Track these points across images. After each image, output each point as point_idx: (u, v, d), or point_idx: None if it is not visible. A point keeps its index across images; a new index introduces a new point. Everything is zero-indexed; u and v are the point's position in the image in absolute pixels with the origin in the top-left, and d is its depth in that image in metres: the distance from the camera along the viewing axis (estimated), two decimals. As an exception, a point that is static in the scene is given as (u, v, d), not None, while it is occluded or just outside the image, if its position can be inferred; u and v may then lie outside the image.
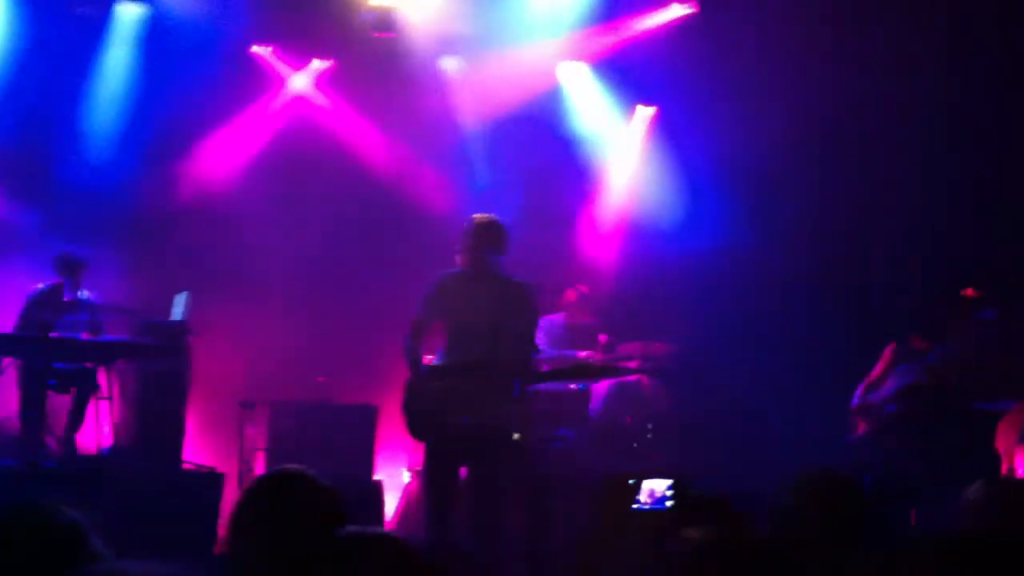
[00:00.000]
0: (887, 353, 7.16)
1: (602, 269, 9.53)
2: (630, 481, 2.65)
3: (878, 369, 7.18)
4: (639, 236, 9.71)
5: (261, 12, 9.29)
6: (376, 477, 8.15)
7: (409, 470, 8.32)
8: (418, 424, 6.00)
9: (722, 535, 2.22)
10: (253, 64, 9.70)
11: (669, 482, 2.68)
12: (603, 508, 2.59)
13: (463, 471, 6.03)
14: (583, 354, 8.38)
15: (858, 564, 1.55)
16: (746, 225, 9.03)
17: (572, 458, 8.28)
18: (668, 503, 2.65)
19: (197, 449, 8.65)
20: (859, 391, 7.21)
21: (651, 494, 2.66)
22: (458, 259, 6.14)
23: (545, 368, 7.57)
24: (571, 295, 8.95)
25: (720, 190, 9.26)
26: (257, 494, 2.81)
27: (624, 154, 10.06)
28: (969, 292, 6.96)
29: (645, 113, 10.03)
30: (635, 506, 2.63)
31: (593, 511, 2.59)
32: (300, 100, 9.88)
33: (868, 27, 8.64)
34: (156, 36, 9.35)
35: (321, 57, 9.82)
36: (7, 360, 7.61)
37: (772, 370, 8.40)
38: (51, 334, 7.49)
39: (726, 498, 2.86)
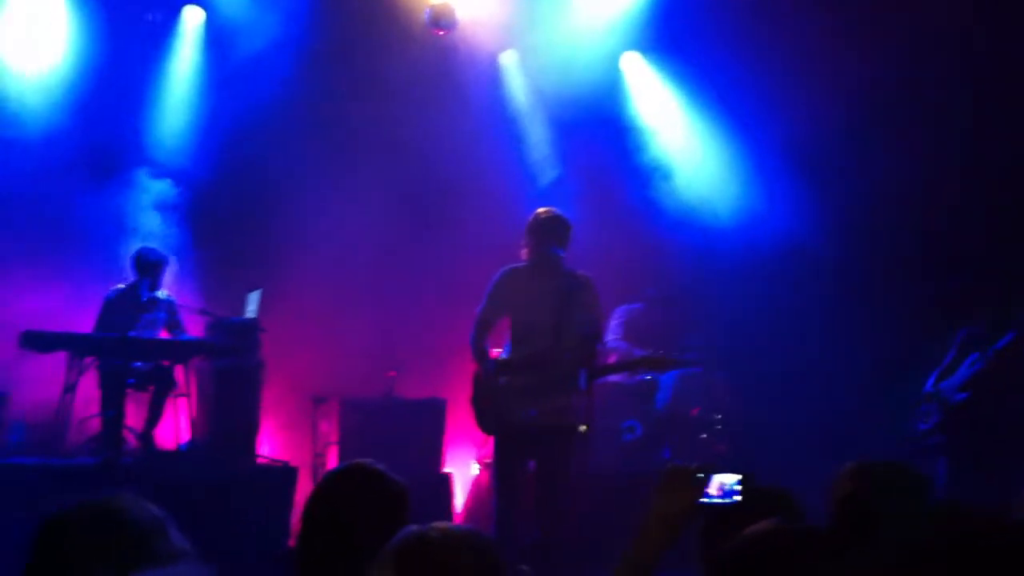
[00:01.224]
0: (958, 340, 7.08)
1: (669, 262, 9.46)
2: (699, 475, 2.64)
3: (950, 356, 7.11)
4: (703, 227, 9.64)
5: (318, 11, 9.40)
6: (446, 469, 8.23)
7: (478, 462, 8.39)
8: (486, 418, 6.07)
9: (786, 526, 2.23)
10: (314, 61, 9.75)
11: (738, 477, 2.67)
12: (666, 499, 2.58)
13: (531, 464, 6.09)
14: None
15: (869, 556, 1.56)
16: (810, 214, 8.94)
17: (636, 451, 8.30)
18: (736, 497, 2.65)
19: (272, 444, 8.82)
20: (931, 379, 7.14)
21: (720, 487, 2.66)
22: (522, 253, 6.18)
23: (612, 360, 7.60)
24: (650, 292, 8.91)
25: (783, 179, 9.17)
26: (328, 489, 2.89)
27: (687, 142, 9.99)
28: None
29: (698, 99, 9.96)
30: (703, 500, 2.63)
31: (656, 501, 2.58)
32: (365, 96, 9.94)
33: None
34: (216, 38, 9.50)
35: (379, 55, 9.88)
36: (88, 360, 7.82)
37: (839, 362, 8.32)
38: (129, 334, 7.67)
39: (789, 491, 2.85)
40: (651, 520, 2.56)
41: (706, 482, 2.61)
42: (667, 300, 8.84)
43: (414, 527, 2.03)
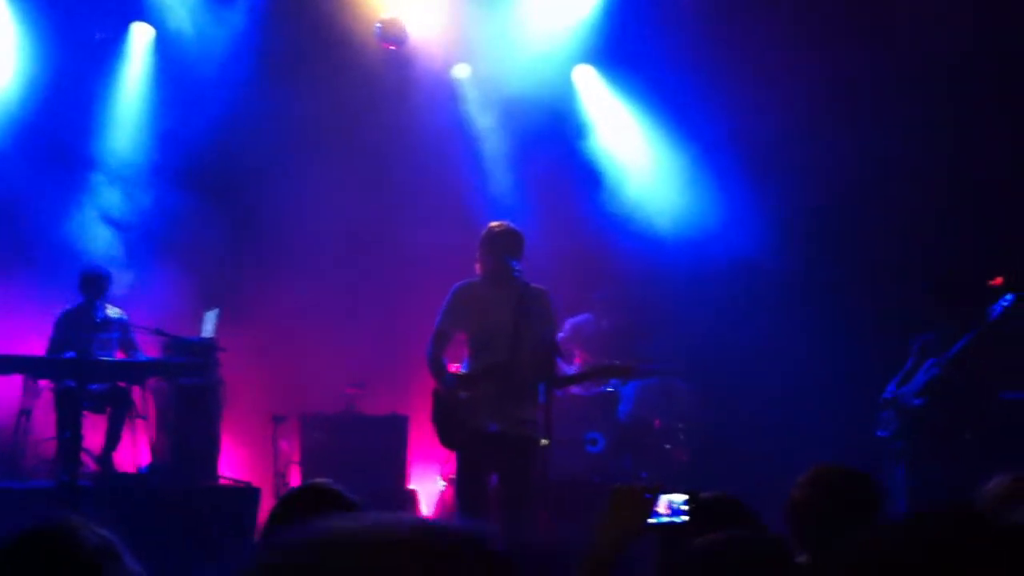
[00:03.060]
0: (915, 347, 7.15)
1: (623, 271, 9.49)
2: (646, 495, 2.66)
3: (909, 363, 7.18)
4: (659, 237, 9.66)
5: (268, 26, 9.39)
6: (411, 486, 8.21)
7: (443, 478, 8.37)
8: (447, 434, 6.06)
9: (733, 535, 2.25)
10: (267, 75, 9.68)
11: (685, 496, 2.69)
12: (615, 519, 2.60)
13: (494, 478, 6.09)
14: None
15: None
16: (765, 221, 9.00)
17: (600, 462, 8.31)
18: (684, 517, 2.67)
19: (233, 464, 8.74)
20: (891, 386, 7.20)
21: (668, 506, 2.68)
22: (477, 267, 6.18)
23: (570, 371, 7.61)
24: (596, 299, 8.96)
25: (737, 186, 9.22)
26: (284, 510, 2.88)
27: (639, 153, 10.03)
28: (998, 281, 6.91)
29: (650, 109, 9.99)
30: (652, 519, 2.65)
31: (602, 522, 2.60)
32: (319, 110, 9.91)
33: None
34: (166, 53, 9.44)
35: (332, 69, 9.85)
36: (43, 383, 7.73)
37: (798, 370, 8.36)
38: (84, 355, 7.59)
39: (738, 501, 2.87)
40: (599, 539, 2.58)
41: (654, 502, 2.63)
42: (614, 304, 8.88)
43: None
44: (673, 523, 2.64)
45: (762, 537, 2.25)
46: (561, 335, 8.54)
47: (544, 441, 5.69)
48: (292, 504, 2.87)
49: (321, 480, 2.91)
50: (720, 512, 2.70)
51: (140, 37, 9.48)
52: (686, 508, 2.66)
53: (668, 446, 8.45)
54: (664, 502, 2.65)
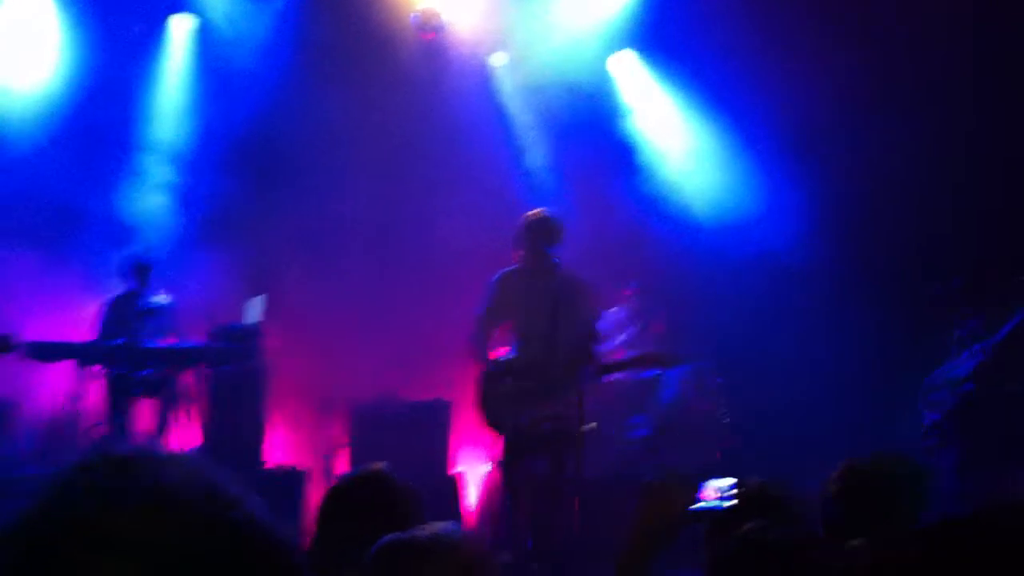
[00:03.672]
0: (959, 334, 7.11)
1: (660, 261, 9.49)
2: (681, 487, 2.67)
3: (953, 351, 7.14)
4: (696, 224, 9.65)
5: (307, 16, 9.45)
6: (457, 469, 8.26)
7: (490, 460, 8.42)
8: (490, 419, 6.12)
9: (774, 529, 2.26)
10: (304, 65, 9.78)
11: (732, 481, 2.70)
12: (655, 507, 2.61)
13: (537, 465, 6.14)
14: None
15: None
16: (806, 209, 8.96)
17: (643, 447, 8.34)
18: (731, 502, 2.68)
19: (279, 449, 8.85)
20: (937, 372, 7.16)
21: (715, 492, 2.69)
22: (516, 256, 6.21)
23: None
24: (628, 289, 8.98)
25: (777, 173, 9.18)
26: (341, 493, 2.93)
27: (678, 139, 10.02)
28: None
29: (689, 96, 9.98)
30: (697, 506, 2.66)
31: (636, 517, 2.60)
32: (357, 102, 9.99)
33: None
34: (207, 43, 9.56)
35: (368, 59, 9.93)
36: (95, 368, 7.87)
37: (840, 358, 8.33)
38: (134, 341, 7.72)
39: (785, 490, 2.87)
40: (634, 534, 2.59)
41: (693, 492, 2.64)
42: (648, 292, 8.90)
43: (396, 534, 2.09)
44: (720, 508, 2.66)
45: (808, 528, 2.27)
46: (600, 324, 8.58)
47: (592, 424, 5.71)
48: (350, 487, 2.91)
49: (376, 465, 2.95)
50: (767, 498, 2.71)
51: (180, 28, 9.59)
52: (733, 493, 2.67)
53: (709, 432, 8.46)
54: (711, 488, 2.66)
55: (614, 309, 8.83)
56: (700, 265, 9.24)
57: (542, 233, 6.09)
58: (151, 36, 9.51)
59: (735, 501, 2.66)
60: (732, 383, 8.61)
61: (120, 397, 7.82)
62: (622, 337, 8.71)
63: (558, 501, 5.93)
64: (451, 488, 7.94)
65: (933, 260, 8.19)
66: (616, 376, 7.90)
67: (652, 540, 2.58)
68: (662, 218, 9.58)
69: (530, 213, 6.23)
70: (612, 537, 2.80)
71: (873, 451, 3.11)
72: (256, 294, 8.55)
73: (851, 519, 2.89)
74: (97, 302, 8.33)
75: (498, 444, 6.47)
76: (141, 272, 8.22)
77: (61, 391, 7.97)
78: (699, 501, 2.64)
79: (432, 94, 9.58)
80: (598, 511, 6.42)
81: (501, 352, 6.27)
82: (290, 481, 7.68)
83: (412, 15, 9.33)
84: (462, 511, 8.01)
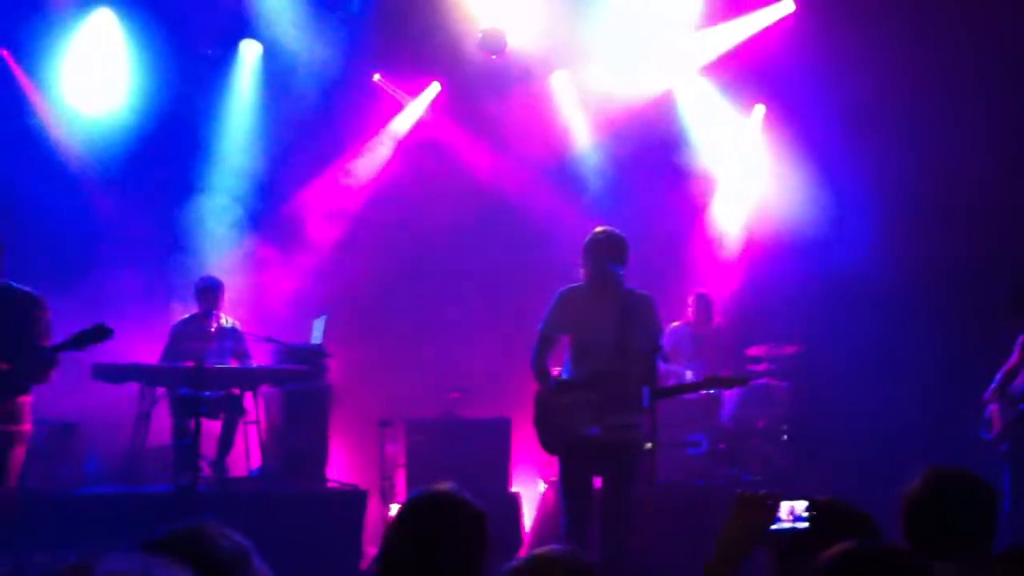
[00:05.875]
0: (1021, 341, 6.98)
1: (724, 276, 9.47)
2: (768, 502, 2.67)
3: (1014, 359, 6.99)
4: (763, 242, 9.61)
5: (372, 39, 9.54)
6: (513, 488, 8.27)
7: (544, 481, 8.42)
8: (549, 438, 6.10)
9: (863, 547, 2.24)
10: (370, 91, 9.93)
11: (806, 503, 2.69)
12: (737, 525, 2.62)
13: (597, 481, 6.11)
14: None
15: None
16: (870, 216, 8.88)
17: (702, 464, 8.29)
18: (804, 524, 2.67)
19: (340, 467, 8.92)
20: (994, 383, 7.03)
21: (790, 512, 2.69)
22: (580, 272, 6.21)
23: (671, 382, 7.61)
24: (692, 303, 8.99)
25: (837, 182, 9.13)
26: (412, 513, 2.93)
27: (743, 159, 10.00)
28: None
29: (761, 115, 9.97)
30: (774, 526, 2.66)
31: (726, 529, 2.61)
32: (421, 123, 10.12)
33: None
34: (273, 71, 9.69)
35: (433, 79, 10.05)
36: (160, 390, 7.99)
37: (899, 368, 8.24)
38: (199, 364, 7.82)
39: (866, 512, 2.83)
40: (722, 545, 2.60)
41: (776, 508, 2.64)
42: (709, 308, 8.90)
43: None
44: (795, 530, 2.65)
45: (892, 548, 2.24)
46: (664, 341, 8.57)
47: (648, 445, 5.68)
48: (421, 506, 2.91)
49: (444, 484, 2.95)
50: (841, 520, 2.68)
51: (249, 53, 9.74)
52: (807, 515, 2.66)
53: (770, 448, 8.40)
54: (786, 508, 2.65)
55: (676, 324, 8.83)
56: (764, 278, 9.20)
57: (607, 250, 6.08)
58: (223, 60, 9.68)
59: (808, 524, 2.65)
60: (798, 394, 8.55)
61: (185, 418, 7.92)
62: (685, 352, 8.70)
63: (625, 515, 5.89)
64: (512, 507, 7.94)
65: (999, 264, 8.09)
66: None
67: (739, 550, 2.59)
68: (730, 233, 9.56)
69: (597, 230, 6.23)
70: (675, 547, 2.80)
71: (957, 466, 3.06)
72: (320, 315, 8.64)
73: (939, 534, 2.85)
74: (162, 322, 8.48)
75: (553, 464, 6.46)
76: (208, 295, 8.33)
77: (127, 412, 8.10)
78: (776, 521, 2.64)
79: (497, 113, 9.64)
80: (663, 521, 6.39)
81: (555, 372, 6.26)
82: (352, 499, 7.73)
83: (477, 34, 9.41)
84: (522, 530, 8.01)
